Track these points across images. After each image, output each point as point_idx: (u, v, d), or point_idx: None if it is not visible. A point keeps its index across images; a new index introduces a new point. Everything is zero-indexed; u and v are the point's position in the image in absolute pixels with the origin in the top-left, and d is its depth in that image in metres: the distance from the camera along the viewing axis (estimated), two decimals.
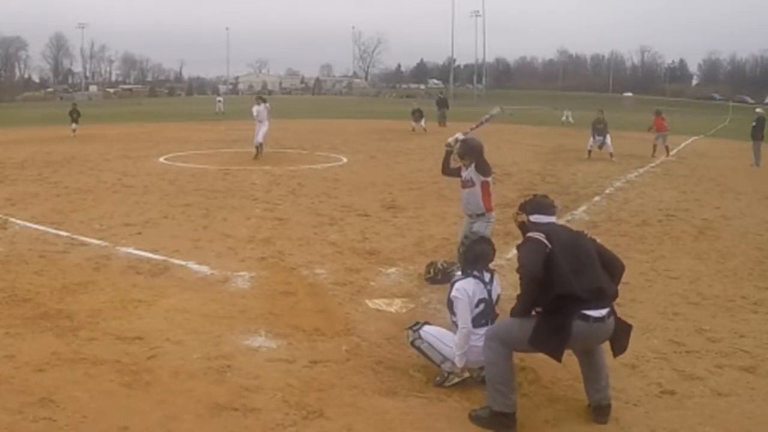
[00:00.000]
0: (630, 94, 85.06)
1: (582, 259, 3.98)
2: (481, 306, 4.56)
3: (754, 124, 20.46)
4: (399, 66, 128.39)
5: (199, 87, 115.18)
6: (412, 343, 4.71)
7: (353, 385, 4.50)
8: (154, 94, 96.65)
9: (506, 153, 20.29)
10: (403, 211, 10.83)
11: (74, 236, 8.60)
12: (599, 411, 4.11)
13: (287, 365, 4.80)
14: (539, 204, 4.31)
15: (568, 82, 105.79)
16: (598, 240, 4.32)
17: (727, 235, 9.64)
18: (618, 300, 6.34)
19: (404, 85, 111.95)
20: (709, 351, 5.25)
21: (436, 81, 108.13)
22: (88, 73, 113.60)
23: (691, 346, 5.33)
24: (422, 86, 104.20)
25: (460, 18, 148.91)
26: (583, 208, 11.54)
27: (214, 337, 5.28)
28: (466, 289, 4.55)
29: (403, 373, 4.73)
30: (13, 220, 9.63)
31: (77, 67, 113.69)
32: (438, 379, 4.55)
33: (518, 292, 4.10)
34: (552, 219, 4.25)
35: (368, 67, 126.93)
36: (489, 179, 6.55)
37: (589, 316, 3.87)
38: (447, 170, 6.89)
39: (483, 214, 6.53)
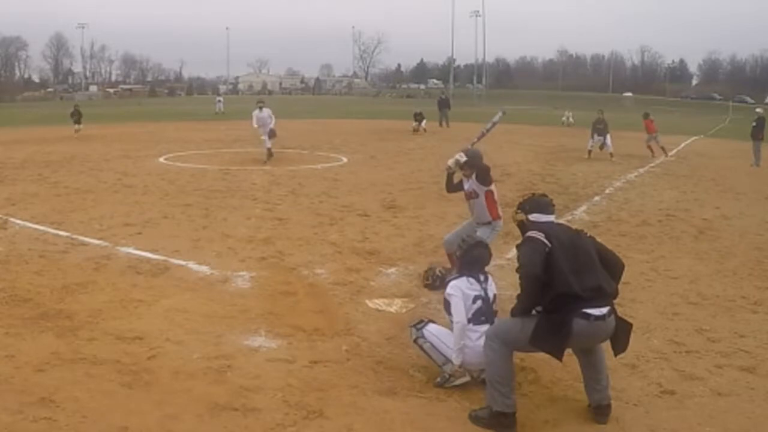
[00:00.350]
0: (630, 94, 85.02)
1: (581, 258, 3.98)
2: (479, 302, 4.57)
3: (754, 124, 20.47)
4: (399, 66, 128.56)
5: (199, 87, 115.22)
6: (415, 341, 4.70)
7: (353, 385, 4.50)
8: (154, 94, 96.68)
9: (506, 153, 20.27)
10: (403, 211, 10.83)
11: (74, 236, 8.60)
12: (599, 411, 4.11)
13: (287, 365, 4.80)
14: (538, 203, 4.31)
15: (568, 82, 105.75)
16: (598, 239, 4.32)
17: (727, 235, 9.64)
18: (618, 300, 6.34)
19: (404, 85, 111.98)
20: (709, 351, 5.25)
21: (436, 81, 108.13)
22: (88, 73, 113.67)
23: (691, 346, 5.33)
24: (422, 86, 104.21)
25: (460, 18, 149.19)
26: (583, 208, 11.54)
27: (214, 337, 5.28)
28: (459, 286, 4.60)
29: (403, 373, 4.73)
30: (13, 220, 9.63)
31: (77, 67, 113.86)
32: (438, 380, 4.55)
33: (518, 292, 4.10)
34: (551, 218, 4.26)
35: (368, 67, 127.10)
36: (492, 188, 6.47)
37: (589, 315, 3.86)
38: (451, 189, 6.77)
39: (489, 223, 6.50)
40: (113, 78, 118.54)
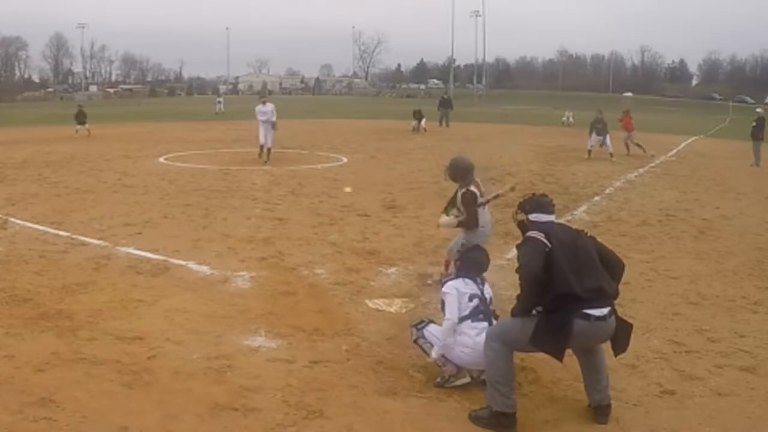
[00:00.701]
0: (630, 94, 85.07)
1: (582, 258, 3.98)
2: (475, 300, 4.58)
3: (754, 124, 20.46)
4: (399, 66, 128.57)
5: (199, 87, 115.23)
6: (416, 341, 4.70)
7: (353, 385, 4.50)
8: (154, 94, 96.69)
9: (506, 153, 20.28)
10: (403, 211, 10.83)
11: (74, 236, 8.60)
12: (599, 411, 4.11)
13: (287, 365, 4.80)
14: (538, 203, 4.30)
15: (568, 82, 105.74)
16: (598, 239, 4.32)
17: (727, 235, 9.64)
18: (618, 300, 6.34)
19: (404, 85, 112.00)
20: (709, 351, 5.25)
21: (436, 81, 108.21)
22: (88, 73, 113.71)
23: (691, 346, 5.33)
24: (422, 86, 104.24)
25: (460, 18, 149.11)
26: (583, 208, 11.54)
27: (214, 337, 5.28)
28: (455, 285, 4.63)
29: (403, 373, 4.73)
30: (13, 220, 9.63)
31: (77, 67, 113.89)
32: (438, 380, 4.55)
33: (518, 292, 4.10)
34: (551, 217, 4.25)
35: (368, 67, 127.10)
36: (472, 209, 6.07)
37: (590, 315, 3.86)
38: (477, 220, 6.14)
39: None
40: (113, 78, 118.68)
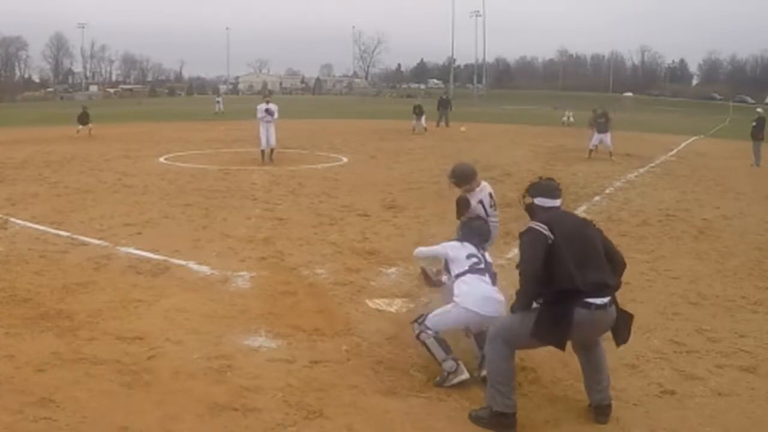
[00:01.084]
0: (630, 94, 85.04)
1: (587, 251, 3.94)
2: (473, 259, 4.73)
3: (754, 124, 20.47)
4: (399, 66, 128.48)
5: (199, 87, 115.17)
6: (418, 337, 4.71)
7: (353, 385, 4.50)
8: (154, 94, 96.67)
9: (506, 153, 20.28)
10: (403, 211, 10.83)
11: (74, 236, 8.60)
12: (600, 411, 4.11)
13: (287, 365, 4.80)
14: (544, 187, 4.26)
15: (568, 82, 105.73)
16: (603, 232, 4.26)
17: (727, 235, 9.64)
18: (618, 300, 6.34)
19: (404, 85, 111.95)
20: (709, 351, 5.25)
21: (436, 81, 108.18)
22: (88, 73, 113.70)
23: (691, 346, 5.33)
24: (422, 86, 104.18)
25: (460, 18, 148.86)
26: (583, 208, 11.54)
27: (214, 337, 5.27)
28: (453, 244, 4.91)
29: (403, 373, 4.72)
30: (13, 220, 9.63)
31: (77, 67, 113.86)
32: (438, 379, 4.55)
33: (518, 288, 4.09)
34: (556, 203, 4.20)
35: (368, 67, 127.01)
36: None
37: (590, 304, 3.84)
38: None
39: None
40: (113, 78, 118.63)
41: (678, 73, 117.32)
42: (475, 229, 4.94)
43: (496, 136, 26.84)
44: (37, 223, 9.41)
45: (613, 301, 3.99)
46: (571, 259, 3.86)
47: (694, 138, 30.36)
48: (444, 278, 5.03)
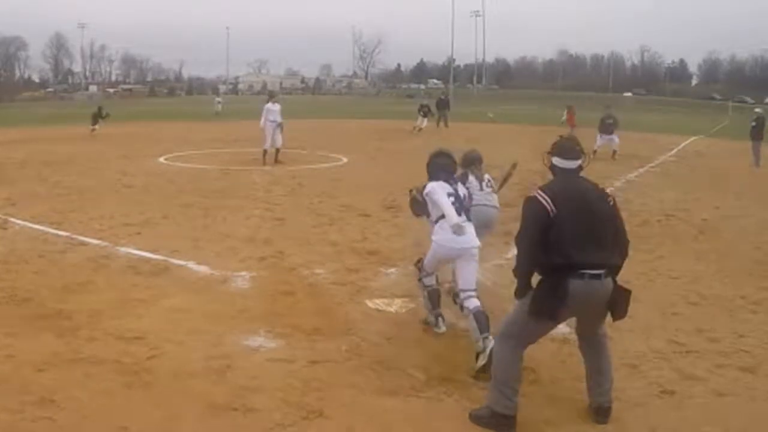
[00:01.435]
0: (630, 93, 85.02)
1: (593, 229, 3.83)
2: (452, 198, 5.22)
3: (753, 124, 20.46)
4: (399, 66, 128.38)
5: (199, 87, 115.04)
6: (419, 281, 5.61)
7: (353, 385, 4.50)
8: (153, 94, 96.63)
9: (506, 153, 20.25)
10: (403, 211, 10.80)
11: (74, 236, 8.60)
12: (600, 412, 4.10)
13: (287, 365, 4.80)
14: (561, 147, 4.12)
15: (568, 82, 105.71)
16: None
17: (727, 235, 9.64)
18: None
19: (404, 85, 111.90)
20: (709, 351, 5.25)
21: (436, 81, 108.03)
22: (88, 73, 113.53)
23: (691, 346, 5.33)
24: (422, 86, 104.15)
25: (460, 18, 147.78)
26: None
27: (214, 337, 5.27)
28: (434, 186, 5.33)
29: (403, 373, 4.72)
30: (13, 220, 9.63)
31: (77, 67, 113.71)
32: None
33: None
34: (572, 164, 4.04)
35: (368, 67, 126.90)
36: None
37: (584, 273, 3.78)
38: None
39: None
40: (113, 78, 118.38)
41: (678, 73, 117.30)
42: (439, 165, 5.51)
43: (495, 136, 26.83)
44: (37, 223, 9.41)
45: (610, 274, 3.91)
46: (573, 237, 3.78)
47: (694, 138, 30.35)
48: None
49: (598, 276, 3.83)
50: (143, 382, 4.47)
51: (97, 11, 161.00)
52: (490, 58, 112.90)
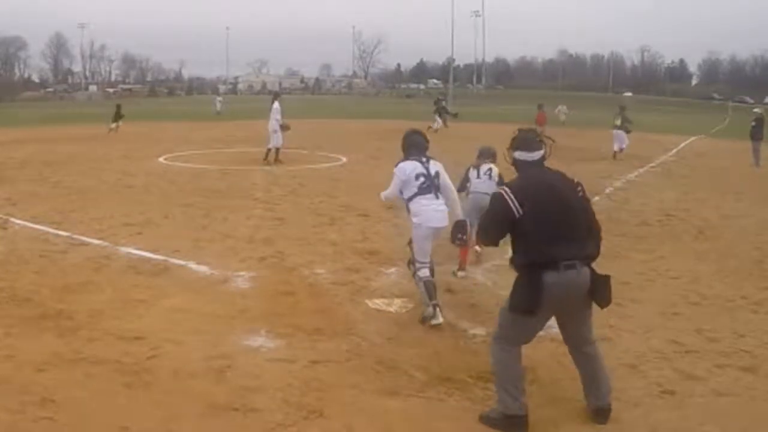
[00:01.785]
0: (630, 93, 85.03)
1: (567, 221, 3.82)
2: (421, 179, 5.66)
3: (753, 124, 20.47)
4: (399, 66, 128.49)
5: (199, 87, 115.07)
6: (414, 275, 5.86)
7: (353, 385, 4.50)
8: (153, 94, 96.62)
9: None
10: (403, 211, 10.74)
11: (74, 236, 8.60)
12: (599, 413, 4.08)
13: (287, 365, 4.80)
14: (522, 139, 4.06)
15: (568, 82, 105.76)
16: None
17: (727, 235, 9.64)
18: (618, 300, 6.32)
19: (404, 85, 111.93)
20: (709, 351, 5.25)
21: (436, 81, 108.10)
22: (87, 73, 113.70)
23: (691, 346, 5.33)
24: (422, 86, 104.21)
25: (460, 18, 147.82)
26: None
27: (214, 337, 5.28)
28: (404, 167, 5.75)
29: (403, 373, 4.72)
30: (13, 219, 9.63)
31: (77, 67, 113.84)
32: (421, 318, 5.67)
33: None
34: (535, 156, 4.01)
35: (368, 67, 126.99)
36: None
37: (558, 264, 3.77)
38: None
39: None
40: (113, 78, 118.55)
41: (678, 73, 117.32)
42: (412, 142, 5.88)
43: (495, 136, 26.84)
44: (37, 223, 9.41)
45: (586, 263, 3.89)
46: (545, 233, 3.77)
47: (694, 138, 30.36)
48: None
49: (572, 266, 3.80)
50: (143, 382, 4.47)
51: (97, 11, 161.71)
52: (490, 58, 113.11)
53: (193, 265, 7.34)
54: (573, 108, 40.49)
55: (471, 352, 5.06)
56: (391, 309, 6.07)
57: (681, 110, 63.00)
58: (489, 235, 4.07)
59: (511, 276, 4.15)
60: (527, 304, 3.84)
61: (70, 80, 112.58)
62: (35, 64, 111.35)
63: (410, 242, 5.95)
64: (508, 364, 4.00)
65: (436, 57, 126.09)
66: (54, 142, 22.21)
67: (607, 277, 3.99)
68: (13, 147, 20.55)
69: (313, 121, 36.57)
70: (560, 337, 5.40)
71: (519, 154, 4.04)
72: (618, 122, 20.07)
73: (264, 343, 5.22)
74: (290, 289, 6.56)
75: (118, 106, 27.37)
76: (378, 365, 4.83)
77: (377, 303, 6.20)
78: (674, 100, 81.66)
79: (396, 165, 5.85)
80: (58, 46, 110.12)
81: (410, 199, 5.72)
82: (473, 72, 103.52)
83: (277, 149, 16.84)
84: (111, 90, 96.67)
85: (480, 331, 5.53)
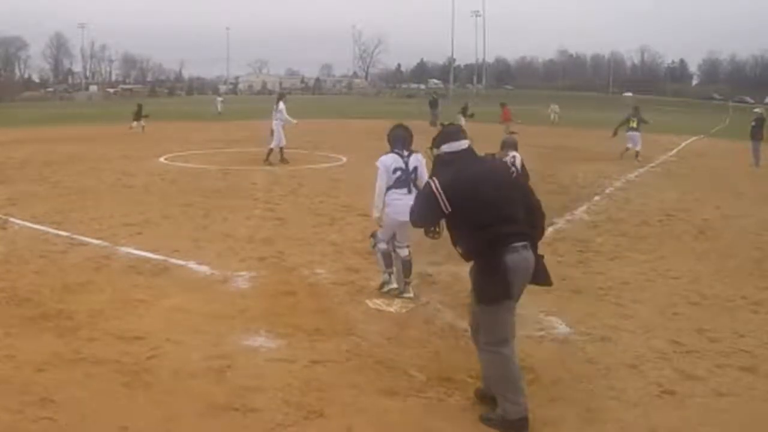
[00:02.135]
0: (630, 93, 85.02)
1: (503, 204, 3.90)
2: (398, 173, 6.10)
3: (753, 124, 20.45)
4: (399, 66, 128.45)
5: (199, 87, 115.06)
6: (373, 247, 6.49)
7: (353, 385, 4.50)
8: (154, 94, 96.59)
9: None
10: None
11: (74, 236, 8.60)
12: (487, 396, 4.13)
13: (287, 365, 4.80)
14: (445, 133, 4.18)
15: (568, 82, 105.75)
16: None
17: (727, 235, 9.64)
18: (618, 300, 6.35)
19: (404, 85, 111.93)
20: (709, 351, 5.25)
21: (436, 81, 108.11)
22: (88, 73, 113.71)
23: (691, 346, 5.33)
24: (422, 86, 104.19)
25: (460, 18, 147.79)
26: (583, 208, 11.54)
27: (214, 337, 5.28)
28: (384, 161, 6.17)
29: (403, 373, 4.72)
30: (13, 220, 9.63)
31: (77, 67, 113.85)
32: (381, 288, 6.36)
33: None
34: (463, 145, 4.10)
35: (368, 67, 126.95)
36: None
37: (516, 246, 3.85)
38: None
39: None
40: (113, 78, 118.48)
41: (678, 73, 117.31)
42: (395, 136, 6.28)
43: (495, 135, 26.84)
44: (37, 223, 9.41)
45: (532, 245, 3.96)
46: (486, 218, 3.86)
47: (694, 138, 30.36)
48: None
49: (525, 246, 3.90)
50: (143, 382, 4.47)
51: (97, 11, 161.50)
52: (490, 58, 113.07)
53: (193, 265, 7.34)
54: (573, 108, 40.50)
55: (471, 352, 5.04)
56: (391, 309, 6.07)
57: (681, 110, 62.99)
58: (421, 218, 4.19)
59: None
60: (500, 289, 3.85)
61: (70, 80, 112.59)
62: (35, 64, 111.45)
63: (373, 234, 6.53)
64: (502, 368, 3.96)
65: (437, 57, 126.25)
66: (54, 142, 22.20)
67: (542, 257, 4.06)
68: (13, 147, 20.55)
69: (313, 121, 36.59)
70: (560, 337, 5.44)
71: (447, 147, 4.11)
72: (634, 124, 20.00)
73: (264, 343, 5.22)
74: (290, 289, 6.56)
75: (140, 106, 27.87)
76: (378, 365, 4.83)
77: (377, 303, 6.20)
78: (674, 100, 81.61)
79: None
80: (59, 46, 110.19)
81: (387, 190, 6.15)
82: (473, 72, 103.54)
83: (281, 149, 16.78)
84: (111, 90, 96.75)
85: None
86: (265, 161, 16.59)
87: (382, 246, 6.39)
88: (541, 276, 4.04)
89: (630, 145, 19.71)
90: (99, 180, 13.75)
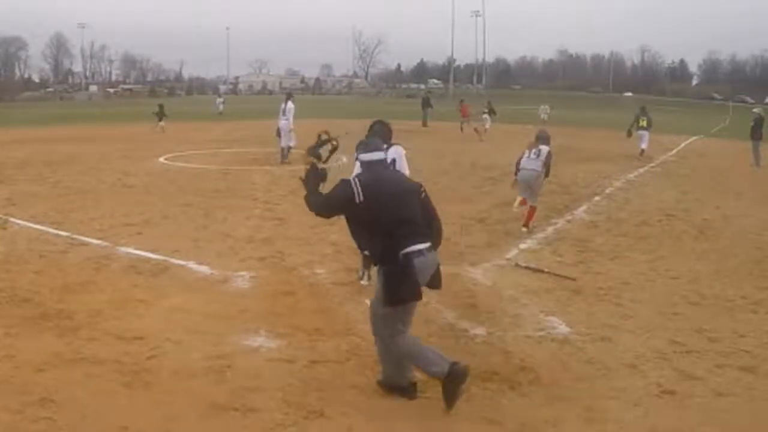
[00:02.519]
0: (630, 93, 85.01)
1: (402, 212, 4.20)
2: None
3: (752, 124, 20.45)
4: (399, 66, 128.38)
5: (199, 87, 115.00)
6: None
7: (353, 385, 4.50)
8: (154, 94, 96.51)
9: (506, 153, 20.25)
10: None
11: (74, 236, 8.60)
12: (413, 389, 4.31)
13: (287, 365, 4.80)
14: (363, 144, 4.65)
15: (568, 82, 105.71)
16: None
17: (727, 235, 9.64)
18: (618, 300, 6.35)
19: (404, 85, 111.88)
20: (709, 351, 5.25)
21: (436, 81, 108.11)
22: (88, 73, 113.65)
23: (691, 346, 5.33)
24: (422, 86, 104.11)
25: (460, 18, 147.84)
26: (583, 208, 11.54)
27: (214, 337, 5.28)
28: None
29: None
30: (13, 219, 9.63)
31: (77, 67, 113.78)
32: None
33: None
34: (374, 156, 4.50)
35: (368, 67, 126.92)
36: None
37: (420, 250, 4.13)
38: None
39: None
40: (113, 78, 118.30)
41: (678, 73, 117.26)
42: (375, 131, 6.25)
43: (495, 136, 26.83)
44: (37, 223, 9.41)
45: (432, 248, 4.24)
46: (392, 220, 4.14)
47: (694, 138, 30.35)
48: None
49: (429, 249, 4.20)
50: (143, 382, 4.47)
51: (97, 11, 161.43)
52: (490, 58, 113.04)
53: (193, 265, 7.34)
54: (574, 108, 40.47)
55: (471, 352, 5.06)
56: None
57: (681, 110, 62.92)
58: (321, 207, 4.45)
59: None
60: (410, 294, 4.12)
61: (70, 80, 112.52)
62: (35, 64, 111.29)
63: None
64: (413, 345, 4.22)
65: (437, 57, 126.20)
66: (54, 142, 22.20)
67: (438, 264, 4.36)
68: (13, 147, 20.55)
69: (313, 121, 36.59)
70: (560, 337, 5.44)
71: (363, 156, 4.54)
72: (644, 123, 20.20)
73: (264, 343, 5.22)
74: (290, 289, 6.56)
75: (161, 106, 27.93)
76: (378, 365, 4.82)
77: None
78: (674, 100, 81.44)
79: (358, 156, 6.37)
80: (59, 46, 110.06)
81: None
82: (473, 72, 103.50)
83: (290, 148, 16.61)
84: (111, 90, 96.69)
85: (480, 331, 5.54)
86: (282, 162, 16.37)
87: None
88: (435, 280, 4.32)
89: (644, 146, 19.92)
90: (99, 180, 13.75)
